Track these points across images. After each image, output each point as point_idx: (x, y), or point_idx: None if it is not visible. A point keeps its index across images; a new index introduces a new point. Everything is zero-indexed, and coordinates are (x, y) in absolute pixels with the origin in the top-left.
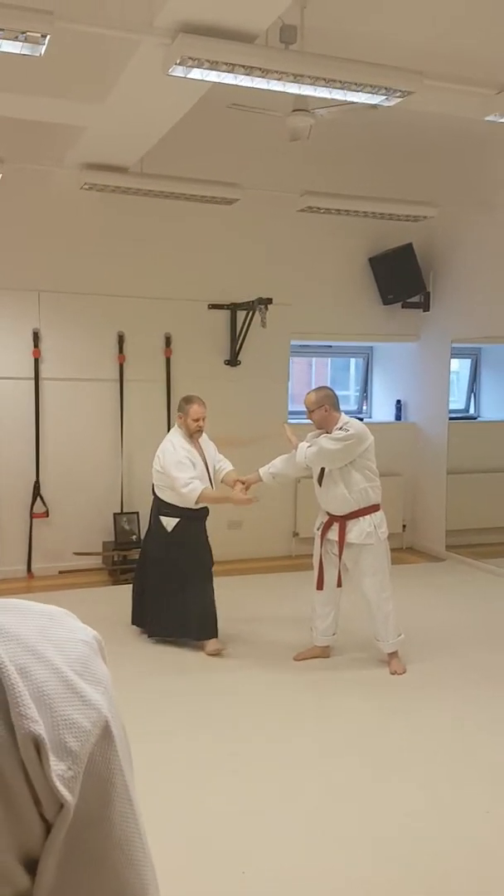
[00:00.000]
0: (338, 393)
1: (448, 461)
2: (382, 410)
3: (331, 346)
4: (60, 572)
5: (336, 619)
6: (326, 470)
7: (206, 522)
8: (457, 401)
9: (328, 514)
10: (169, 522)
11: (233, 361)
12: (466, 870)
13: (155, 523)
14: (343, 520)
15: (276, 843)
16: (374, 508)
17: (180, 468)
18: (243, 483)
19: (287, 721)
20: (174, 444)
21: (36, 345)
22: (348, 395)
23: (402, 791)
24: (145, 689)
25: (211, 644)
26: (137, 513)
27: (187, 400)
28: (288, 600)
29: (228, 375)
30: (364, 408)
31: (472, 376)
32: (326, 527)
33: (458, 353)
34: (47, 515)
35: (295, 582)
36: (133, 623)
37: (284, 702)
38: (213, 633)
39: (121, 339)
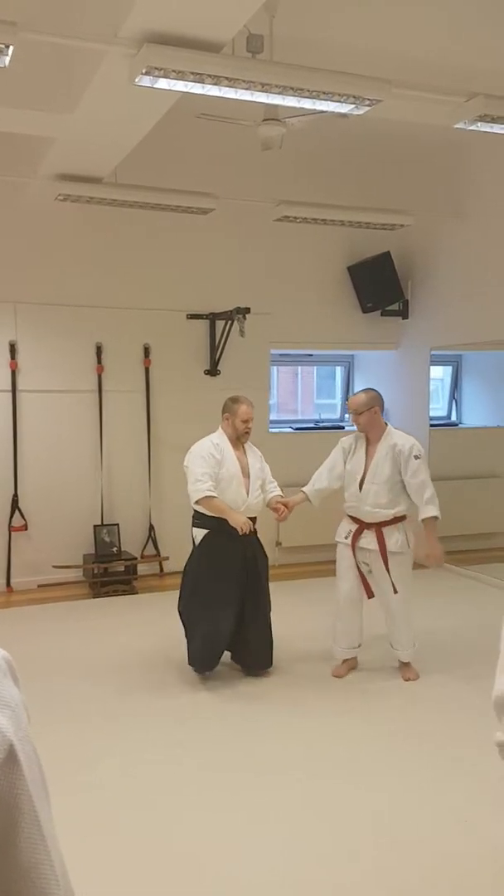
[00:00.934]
0: (324, 402)
1: (430, 468)
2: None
3: (311, 355)
4: (40, 586)
5: (362, 629)
6: (370, 476)
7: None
8: (438, 408)
9: (358, 521)
10: (196, 535)
11: (212, 371)
12: (445, 878)
13: (191, 531)
14: (379, 527)
15: (248, 853)
16: (404, 517)
17: (200, 462)
18: (286, 506)
19: (263, 732)
20: (210, 440)
21: (13, 356)
22: (334, 403)
23: (379, 800)
24: (129, 705)
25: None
26: (118, 525)
27: (235, 400)
28: (275, 610)
29: (208, 385)
30: (346, 416)
31: (454, 383)
32: (357, 535)
33: (438, 361)
34: (26, 528)
35: (279, 592)
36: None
37: (262, 715)
38: (204, 668)
39: (99, 350)
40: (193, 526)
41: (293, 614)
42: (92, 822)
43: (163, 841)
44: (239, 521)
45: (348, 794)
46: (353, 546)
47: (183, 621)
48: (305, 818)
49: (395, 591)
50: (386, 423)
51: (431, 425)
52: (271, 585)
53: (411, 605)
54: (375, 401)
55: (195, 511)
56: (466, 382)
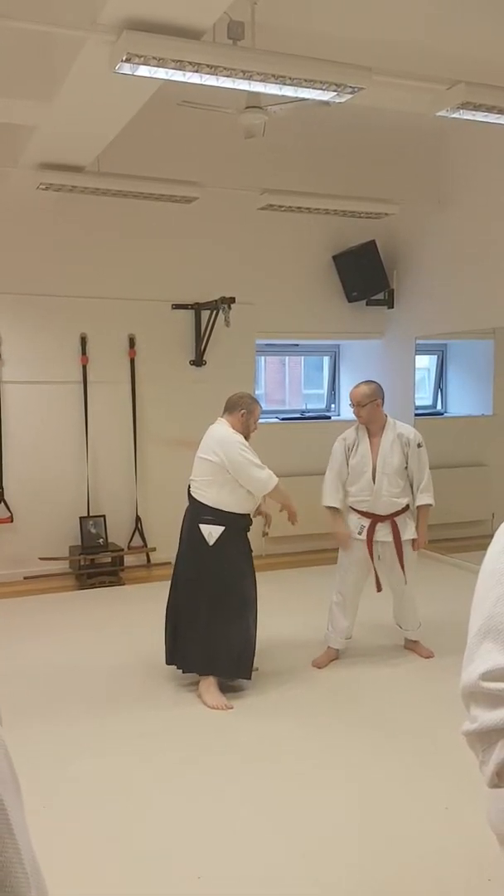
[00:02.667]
0: (312, 392)
1: None
2: (350, 408)
3: (297, 345)
4: (26, 578)
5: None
6: (381, 470)
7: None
8: (424, 397)
9: (370, 515)
10: (211, 532)
11: (198, 361)
12: (425, 866)
13: (190, 533)
14: (392, 518)
15: (232, 846)
16: (408, 506)
17: (249, 451)
18: (345, 535)
19: (243, 722)
20: (231, 432)
21: None
22: (322, 393)
23: (360, 789)
24: (116, 697)
25: (213, 696)
26: (104, 516)
27: (254, 400)
28: (262, 601)
29: (194, 376)
30: (332, 406)
31: (439, 372)
32: (372, 528)
33: (424, 350)
34: (11, 521)
35: (267, 581)
36: (167, 661)
37: (246, 705)
38: (245, 673)
39: (83, 341)
40: (205, 523)
41: (280, 604)
42: (73, 816)
43: (144, 834)
44: (291, 512)
45: (330, 783)
46: (370, 541)
47: (203, 629)
48: (287, 808)
49: (406, 582)
50: (386, 415)
51: (417, 414)
52: (260, 575)
53: (413, 592)
54: (377, 393)
55: (204, 506)
56: (452, 371)
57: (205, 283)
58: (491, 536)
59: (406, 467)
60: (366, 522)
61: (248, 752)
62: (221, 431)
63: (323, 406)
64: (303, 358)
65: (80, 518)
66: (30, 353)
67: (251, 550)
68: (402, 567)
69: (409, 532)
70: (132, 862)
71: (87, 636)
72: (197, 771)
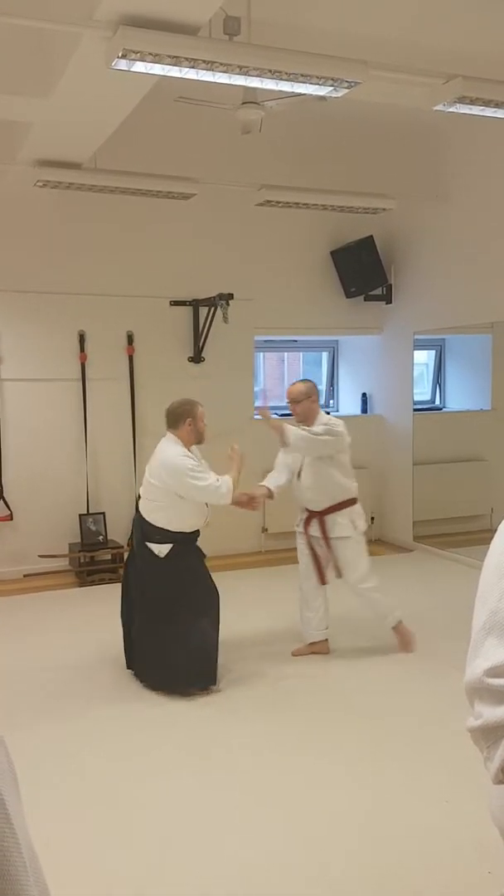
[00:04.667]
0: None
1: (414, 452)
2: (348, 404)
3: (296, 341)
4: (26, 575)
5: (327, 612)
6: (305, 466)
7: None
8: (422, 392)
9: (307, 510)
10: (161, 549)
11: (196, 358)
12: (426, 859)
13: (140, 549)
14: (321, 515)
15: (232, 842)
16: (350, 503)
17: (200, 477)
18: (253, 499)
19: (244, 717)
20: (177, 453)
21: None
22: (320, 389)
23: (361, 783)
24: (116, 693)
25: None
26: (104, 513)
27: (192, 402)
28: (261, 596)
29: (193, 372)
30: (331, 402)
31: (437, 367)
32: (307, 523)
33: (422, 345)
34: (11, 518)
35: (267, 577)
36: (128, 666)
37: (247, 700)
38: (211, 679)
39: (82, 338)
40: (153, 542)
41: (278, 600)
42: (76, 810)
43: (145, 827)
44: (256, 498)
45: (330, 777)
46: (306, 533)
47: (157, 644)
48: (288, 802)
49: (339, 576)
50: (321, 412)
51: (415, 409)
52: (259, 570)
53: (372, 582)
54: (312, 391)
55: (152, 526)
56: (450, 366)
57: (203, 279)
58: (490, 531)
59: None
60: (304, 516)
61: (247, 745)
62: (168, 455)
63: (321, 402)
64: (301, 354)
65: (80, 515)
66: (29, 350)
67: (203, 556)
68: (336, 559)
69: (338, 530)
70: (134, 855)
71: (87, 633)
72: (198, 765)
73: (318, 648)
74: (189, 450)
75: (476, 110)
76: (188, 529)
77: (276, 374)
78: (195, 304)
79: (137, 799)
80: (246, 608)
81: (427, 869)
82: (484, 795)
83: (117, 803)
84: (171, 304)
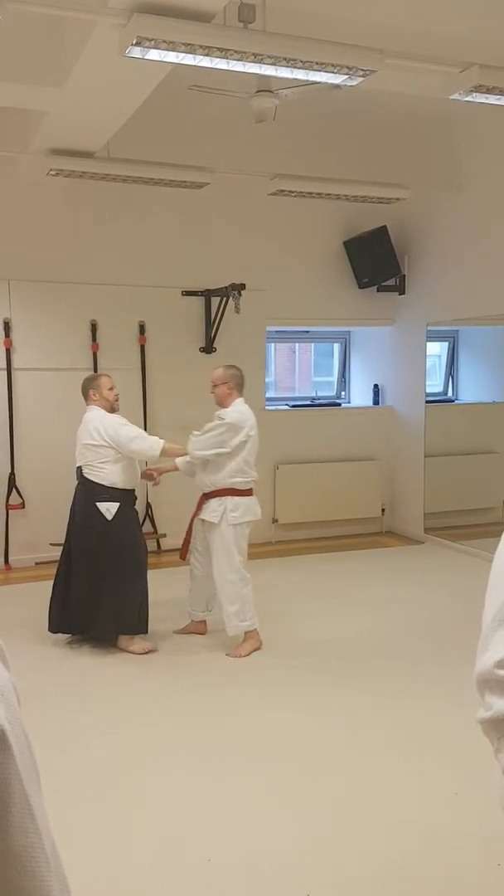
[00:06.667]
0: (322, 379)
1: (426, 444)
2: (360, 395)
3: (308, 332)
4: (37, 563)
5: (205, 596)
6: None
7: (187, 510)
8: (435, 384)
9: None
10: (109, 509)
11: (208, 349)
12: (434, 851)
13: (86, 512)
14: (204, 498)
15: (242, 829)
16: (231, 492)
17: (128, 425)
18: (156, 471)
19: (255, 706)
20: (103, 414)
21: (7, 334)
22: (332, 381)
23: (370, 774)
24: (122, 679)
25: (139, 644)
26: None
27: (93, 376)
28: (272, 586)
29: (204, 363)
30: (343, 393)
31: (450, 359)
32: (200, 504)
33: (435, 336)
34: (23, 507)
35: (277, 568)
36: (53, 630)
37: (258, 688)
38: (144, 627)
39: (94, 328)
40: (98, 501)
41: (287, 588)
42: (83, 800)
43: (151, 818)
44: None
45: (335, 769)
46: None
47: (109, 594)
48: (297, 793)
49: (182, 557)
50: (236, 405)
51: (428, 401)
52: (269, 561)
53: (237, 580)
54: (232, 378)
55: (99, 485)
56: (463, 358)
57: (215, 269)
58: (501, 523)
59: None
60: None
61: (255, 737)
62: (97, 416)
63: (333, 393)
64: (313, 345)
65: None
66: (40, 339)
67: (139, 520)
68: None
69: (212, 514)
70: (141, 846)
71: None
72: (205, 754)
73: (194, 628)
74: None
75: (493, 99)
76: (130, 486)
77: (287, 366)
78: (207, 295)
79: (141, 789)
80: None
81: (435, 861)
82: (493, 787)
83: (121, 793)
84: (183, 295)
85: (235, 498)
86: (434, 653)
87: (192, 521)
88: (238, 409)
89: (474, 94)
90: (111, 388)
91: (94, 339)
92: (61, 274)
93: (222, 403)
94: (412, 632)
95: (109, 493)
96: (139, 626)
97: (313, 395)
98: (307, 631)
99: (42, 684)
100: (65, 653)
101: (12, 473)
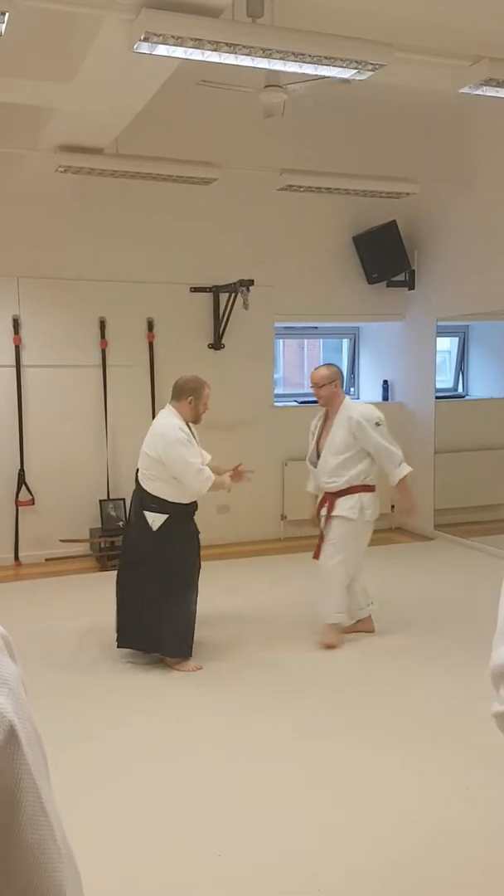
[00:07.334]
0: None
1: (436, 440)
2: (369, 391)
3: (317, 328)
4: (47, 560)
5: (359, 592)
6: (325, 450)
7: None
8: (445, 380)
9: (323, 492)
10: (155, 520)
11: (216, 345)
12: (444, 845)
13: (137, 519)
14: (334, 497)
15: (253, 824)
16: (368, 489)
17: (190, 451)
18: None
19: (265, 701)
20: (173, 425)
21: (16, 332)
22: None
23: (378, 770)
24: (134, 676)
25: (184, 663)
26: (123, 499)
27: (201, 382)
28: (280, 583)
29: (212, 359)
30: (352, 389)
31: (460, 354)
32: (320, 505)
33: (445, 332)
34: (33, 503)
35: (285, 564)
36: (119, 646)
37: (267, 684)
38: (187, 652)
39: (102, 325)
40: (149, 511)
41: (296, 585)
42: (91, 793)
43: (161, 813)
44: (237, 477)
45: (347, 765)
46: (317, 513)
47: (152, 610)
48: (304, 789)
49: (315, 556)
50: (346, 397)
51: (438, 397)
52: (278, 557)
53: (340, 572)
54: (336, 375)
55: (149, 495)
56: (473, 353)
57: (223, 265)
58: None
59: (355, 449)
60: (320, 495)
61: (264, 731)
62: (163, 424)
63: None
64: (321, 341)
65: (100, 501)
66: (50, 336)
67: (197, 533)
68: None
69: (349, 510)
70: (152, 841)
71: (106, 617)
72: (217, 749)
73: (362, 627)
74: (188, 426)
75: (503, 93)
76: (185, 501)
77: (295, 362)
78: (215, 291)
79: (152, 784)
80: (264, 594)
81: (445, 855)
82: None
83: (132, 787)
84: (192, 291)
85: (369, 494)
86: (444, 648)
87: (324, 521)
88: (367, 407)
89: (484, 88)
90: (206, 404)
91: (102, 335)
92: (70, 271)
93: (329, 404)
94: (422, 628)
95: (158, 503)
96: (181, 649)
97: None
98: (314, 626)
99: (51, 681)
100: (73, 649)
101: (22, 470)
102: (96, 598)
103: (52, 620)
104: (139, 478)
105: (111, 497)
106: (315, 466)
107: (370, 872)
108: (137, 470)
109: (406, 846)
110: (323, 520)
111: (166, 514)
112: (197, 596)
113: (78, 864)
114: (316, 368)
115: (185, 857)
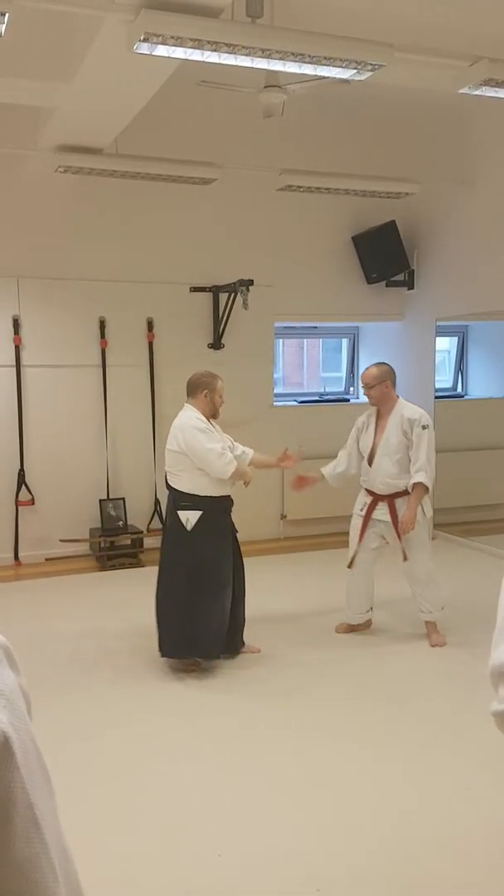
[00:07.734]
0: (330, 375)
1: (436, 440)
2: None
3: (316, 328)
4: (47, 559)
5: (370, 595)
6: (380, 451)
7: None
8: (444, 379)
9: (373, 494)
10: (189, 518)
11: (216, 345)
12: (445, 845)
13: (169, 520)
14: (391, 499)
15: (253, 825)
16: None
17: (211, 438)
18: (305, 481)
19: (265, 701)
20: (191, 417)
21: (16, 332)
22: (340, 376)
23: (380, 770)
24: (135, 676)
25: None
26: (123, 499)
27: (212, 375)
28: (280, 583)
29: (212, 359)
30: (351, 389)
31: (460, 354)
32: (371, 507)
33: (444, 332)
34: (33, 503)
35: (286, 564)
36: (163, 655)
37: (270, 683)
38: (219, 652)
39: (102, 325)
40: (182, 509)
41: (297, 585)
42: (92, 791)
43: (162, 812)
44: (287, 463)
45: (347, 764)
46: (367, 518)
47: (186, 612)
48: (306, 789)
49: (405, 559)
50: (397, 396)
51: (437, 397)
52: (276, 557)
53: (431, 568)
54: (387, 374)
55: (179, 492)
56: (473, 353)
57: (223, 265)
58: None
59: (409, 448)
60: (368, 500)
61: (265, 730)
62: (181, 418)
63: (341, 389)
64: (321, 340)
65: (100, 500)
66: (49, 336)
67: (234, 531)
68: (402, 546)
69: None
70: (152, 841)
71: (107, 617)
72: (216, 748)
73: (360, 627)
74: (211, 419)
75: (502, 93)
76: (216, 493)
77: (295, 362)
78: (215, 291)
79: (153, 782)
80: (268, 593)
81: (445, 855)
82: None
83: (132, 786)
84: (191, 291)
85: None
86: (444, 648)
87: (363, 527)
88: (418, 408)
89: (484, 88)
90: (222, 396)
91: (102, 335)
92: (70, 271)
93: (381, 404)
94: (421, 627)
95: (191, 499)
96: (209, 650)
97: (322, 390)
98: (316, 626)
99: (51, 681)
100: (72, 649)
101: (22, 470)
102: (96, 598)
103: (52, 620)
104: (168, 479)
105: (111, 497)
106: (346, 460)
107: (370, 872)
108: (167, 474)
109: (406, 846)
110: (360, 521)
111: (200, 510)
112: (231, 597)
113: (81, 884)
114: (367, 368)
115: (185, 856)
